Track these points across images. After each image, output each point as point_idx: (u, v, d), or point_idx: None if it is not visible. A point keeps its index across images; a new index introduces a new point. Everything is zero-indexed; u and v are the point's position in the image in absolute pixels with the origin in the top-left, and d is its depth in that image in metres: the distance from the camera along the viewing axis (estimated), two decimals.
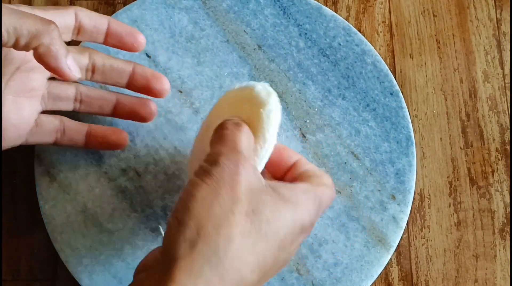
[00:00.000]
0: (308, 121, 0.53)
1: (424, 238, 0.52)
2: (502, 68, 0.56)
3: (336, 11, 0.56)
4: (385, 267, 0.51)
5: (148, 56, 0.54)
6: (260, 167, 0.38)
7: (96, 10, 0.57)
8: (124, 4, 0.56)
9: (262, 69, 0.54)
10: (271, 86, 0.40)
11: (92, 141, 0.47)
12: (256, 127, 0.38)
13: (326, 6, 0.56)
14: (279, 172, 0.39)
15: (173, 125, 0.52)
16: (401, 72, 0.56)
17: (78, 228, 0.50)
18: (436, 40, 0.56)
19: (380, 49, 0.56)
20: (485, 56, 0.56)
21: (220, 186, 0.31)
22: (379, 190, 0.51)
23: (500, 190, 0.53)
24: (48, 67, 0.37)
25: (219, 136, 0.35)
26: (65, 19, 0.42)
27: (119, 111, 0.47)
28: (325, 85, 0.53)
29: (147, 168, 0.51)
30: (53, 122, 0.46)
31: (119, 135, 0.47)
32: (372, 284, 0.51)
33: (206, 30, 0.54)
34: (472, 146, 0.54)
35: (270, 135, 0.38)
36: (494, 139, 0.54)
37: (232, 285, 0.30)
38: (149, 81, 0.45)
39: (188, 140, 0.52)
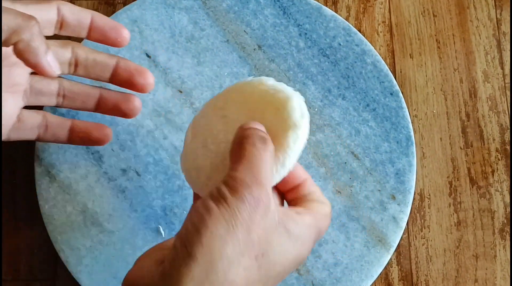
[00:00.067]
0: None
1: (424, 238, 0.52)
2: (502, 68, 0.56)
3: (336, 11, 0.56)
4: (385, 267, 0.51)
5: (148, 56, 0.54)
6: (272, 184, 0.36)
7: (96, 10, 0.57)
8: (124, 4, 0.56)
9: (262, 69, 0.54)
10: None
11: (75, 137, 0.46)
12: (276, 145, 0.35)
13: (326, 6, 0.56)
14: (285, 188, 0.38)
15: (173, 125, 0.52)
16: (401, 72, 0.56)
17: (78, 228, 0.50)
18: (436, 40, 0.56)
19: (380, 49, 0.56)
20: (485, 56, 0.56)
21: (237, 225, 0.30)
22: (379, 190, 0.51)
23: (500, 190, 0.53)
24: (27, 63, 0.37)
25: (243, 154, 0.33)
26: (47, 13, 0.41)
27: (102, 107, 0.46)
28: (325, 85, 0.53)
29: (147, 168, 0.51)
30: (35, 117, 0.45)
31: (102, 131, 0.46)
32: (372, 284, 0.51)
33: (206, 30, 0.54)
34: (472, 146, 0.54)
35: (290, 162, 0.36)
36: (494, 139, 0.54)
37: None
38: (132, 75, 0.44)
39: None
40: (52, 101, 0.45)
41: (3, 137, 0.44)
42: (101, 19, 0.43)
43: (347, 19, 0.56)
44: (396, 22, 0.57)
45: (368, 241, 0.50)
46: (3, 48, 0.40)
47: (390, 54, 0.56)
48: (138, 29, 0.54)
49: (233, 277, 0.29)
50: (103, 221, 0.50)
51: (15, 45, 0.36)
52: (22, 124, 0.44)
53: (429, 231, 0.52)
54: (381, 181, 0.51)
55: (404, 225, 0.51)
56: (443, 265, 0.52)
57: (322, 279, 0.50)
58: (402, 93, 0.54)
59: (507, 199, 0.53)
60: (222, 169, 0.36)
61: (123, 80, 0.44)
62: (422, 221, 0.52)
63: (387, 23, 0.57)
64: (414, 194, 0.53)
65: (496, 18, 0.57)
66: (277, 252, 0.32)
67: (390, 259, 0.51)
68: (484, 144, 0.54)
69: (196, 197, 0.40)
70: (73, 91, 0.45)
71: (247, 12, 0.55)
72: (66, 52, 0.43)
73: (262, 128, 0.35)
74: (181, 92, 0.53)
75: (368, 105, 0.53)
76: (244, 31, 0.54)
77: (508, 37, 0.56)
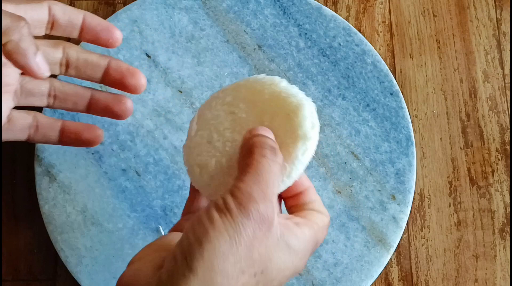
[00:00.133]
0: None
1: (424, 238, 0.52)
2: (502, 68, 0.56)
3: (336, 11, 0.56)
4: (385, 267, 0.51)
5: (148, 56, 0.54)
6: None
7: (96, 10, 0.57)
8: (124, 4, 0.56)
9: (262, 69, 0.54)
10: None
11: (65, 138, 0.45)
12: (284, 154, 0.34)
13: (326, 6, 0.56)
14: (286, 194, 0.38)
15: (173, 125, 0.52)
16: (401, 72, 0.56)
17: (78, 228, 0.50)
18: (436, 40, 0.56)
19: (380, 49, 0.56)
20: (485, 56, 0.56)
21: (241, 242, 0.29)
22: (379, 190, 0.51)
23: (500, 190, 0.53)
24: (16, 64, 0.36)
25: (252, 164, 0.32)
26: (37, 13, 0.41)
27: (93, 108, 0.45)
28: (325, 85, 0.53)
29: (147, 168, 0.51)
30: (26, 118, 0.44)
31: (93, 132, 0.45)
32: (372, 284, 0.51)
33: (206, 30, 0.54)
34: (472, 146, 0.54)
35: (297, 173, 0.35)
36: (494, 139, 0.54)
37: None
38: (123, 76, 0.43)
39: None
40: (43, 101, 0.44)
41: None
42: (93, 20, 0.43)
43: (347, 19, 0.56)
44: (396, 22, 0.57)
45: (368, 241, 0.50)
46: None
47: (390, 54, 0.56)
48: (138, 29, 0.54)
49: None
50: (103, 221, 0.50)
51: (4, 46, 0.36)
52: (12, 124, 0.43)
53: (429, 231, 0.52)
54: (381, 181, 0.51)
55: (404, 225, 0.51)
56: (443, 265, 0.52)
57: (322, 279, 0.50)
58: (402, 93, 0.54)
59: (507, 199, 0.53)
60: (227, 171, 0.36)
61: (115, 81, 0.44)
62: (422, 221, 0.52)
63: (387, 23, 0.57)
64: (414, 194, 0.53)
65: (496, 18, 0.57)
66: (276, 268, 0.32)
67: (390, 259, 0.51)
68: (484, 144, 0.54)
69: (193, 189, 0.40)
70: (64, 92, 0.44)
71: (247, 12, 0.55)
72: (57, 52, 0.43)
73: (271, 135, 0.34)
74: (181, 92, 0.53)
75: (368, 105, 0.53)
76: (244, 31, 0.54)
77: (508, 37, 0.56)
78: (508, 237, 0.52)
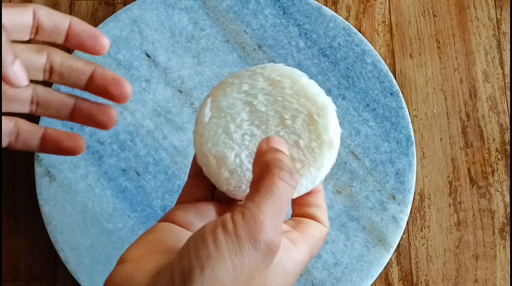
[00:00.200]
0: None
1: (424, 238, 0.52)
2: (502, 68, 0.56)
3: (336, 11, 0.56)
4: (385, 267, 0.51)
5: (148, 56, 0.54)
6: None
7: (96, 10, 0.57)
8: (124, 4, 0.56)
9: None
10: None
11: (46, 146, 0.44)
12: (309, 157, 0.34)
13: (326, 6, 0.56)
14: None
15: (173, 125, 0.52)
16: (401, 72, 0.56)
17: (78, 228, 0.50)
18: (436, 40, 0.56)
19: (380, 49, 0.56)
20: (485, 56, 0.56)
21: (243, 273, 0.29)
22: (379, 190, 0.51)
23: (500, 190, 0.53)
24: None
25: (269, 186, 0.31)
26: (22, 17, 0.40)
27: (77, 116, 0.44)
28: (325, 85, 0.53)
29: (147, 168, 0.51)
30: (7, 124, 0.42)
31: (74, 141, 0.43)
32: (372, 284, 0.51)
33: (206, 30, 0.54)
34: (472, 146, 0.54)
35: (320, 179, 0.35)
36: (494, 139, 0.54)
37: None
38: (108, 84, 0.42)
39: (188, 140, 0.52)
40: (25, 108, 0.43)
41: None
42: (80, 26, 0.42)
43: (347, 19, 0.56)
44: (396, 22, 0.57)
45: (368, 241, 0.50)
46: None
47: (390, 54, 0.56)
48: (138, 29, 0.54)
49: None
50: (103, 221, 0.50)
51: None
52: None
53: (429, 231, 0.52)
54: (381, 181, 0.51)
55: (404, 225, 0.51)
56: (443, 265, 0.52)
57: (322, 279, 0.50)
58: (402, 93, 0.54)
59: (507, 199, 0.53)
60: (247, 168, 0.35)
61: (99, 89, 0.42)
62: (422, 221, 0.52)
63: (387, 23, 0.57)
64: (414, 194, 0.53)
65: (496, 18, 0.57)
66: None
67: (390, 259, 0.51)
68: (484, 144, 0.54)
69: (194, 177, 0.38)
70: (47, 99, 0.43)
71: (247, 12, 0.55)
72: (40, 57, 0.41)
73: (286, 150, 0.33)
74: (181, 92, 0.53)
75: (368, 105, 0.53)
76: (244, 31, 0.54)
77: (508, 37, 0.56)
78: (508, 237, 0.52)
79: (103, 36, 0.42)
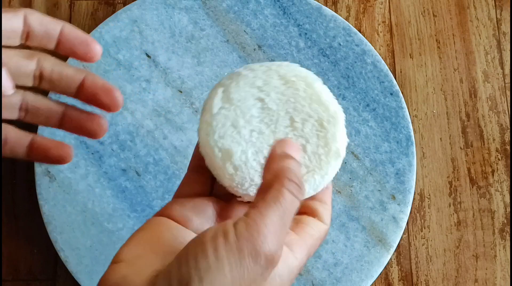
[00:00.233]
0: None
1: (424, 238, 0.52)
2: (502, 68, 0.56)
3: (336, 11, 0.56)
4: (385, 267, 0.51)
5: (148, 56, 0.54)
6: None
7: (96, 10, 0.57)
8: (124, 4, 0.56)
9: None
10: None
11: (33, 154, 0.43)
12: (314, 164, 0.34)
13: (326, 6, 0.56)
14: None
15: (173, 125, 0.52)
16: (401, 72, 0.56)
17: (78, 228, 0.50)
18: (436, 40, 0.56)
19: (380, 49, 0.56)
20: (485, 56, 0.56)
21: (241, 285, 0.28)
22: (379, 190, 0.51)
23: (500, 190, 0.53)
24: None
25: (277, 198, 0.30)
26: (12, 22, 0.39)
27: (66, 124, 0.43)
28: (325, 85, 0.53)
29: (147, 168, 0.51)
30: None
31: (61, 149, 0.43)
32: (372, 284, 0.51)
33: (206, 30, 0.54)
34: (472, 146, 0.54)
35: (322, 187, 0.34)
36: (494, 139, 0.54)
37: None
38: (97, 93, 0.41)
39: (188, 140, 0.52)
40: (13, 114, 0.42)
41: None
42: (72, 32, 0.41)
43: (347, 19, 0.56)
44: (396, 22, 0.57)
45: (368, 241, 0.50)
46: None
47: (390, 54, 0.56)
48: (138, 29, 0.54)
49: None
50: (103, 221, 0.50)
51: None
52: None
53: (429, 231, 0.52)
54: (381, 181, 0.51)
55: (404, 225, 0.51)
56: (443, 265, 0.52)
57: (322, 279, 0.50)
58: (402, 93, 0.54)
59: (507, 199, 0.53)
60: (253, 165, 0.34)
61: (89, 97, 0.42)
62: (422, 221, 0.52)
63: (387, 23, 0.57)
64: (414, 194, 0.53)
65: (496, 18, 0.57)
66: None
67: (390, 259, 0.51)
68: (484, 144, 0.54)
69: (194, 171, 0.37)
70: (36, 106, 0.42)
71: (247, 12, 0.55)
72: (30, 63, 0.41)
73: (300, 157, 0.33)
74: (181, 92, 0.53)
75: (368, 105, 0.53)
76: (244, 31, 0.54)
77: (508, 37, 0.56)
78: (508, 237, 0.52)
79: (95, 43, 0.41)
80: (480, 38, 0.56)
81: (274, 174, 0.31)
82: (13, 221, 0.52)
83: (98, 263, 0.49)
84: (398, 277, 0.51)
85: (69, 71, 0.41)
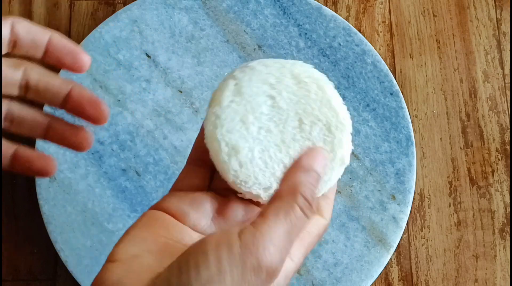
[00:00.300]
0: None
1: (424, 238, 0.52)
2: (502, 68, 0.56)
3: (336, 11, 0.56)
4: (385, 267, 0.51)
5: (148, 56, 0.54)
6: None
7: (96, 10, 0.57)
8: (124, 4, 0.56)
9: None
10: None
11: (16, 165, 0.42)
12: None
13: (326, 6, 0.56)
14: None
15: (173, 125, 0.52)
16: (401, 72, 0.56)
17: (78, 228, 0.50)
18: (436, 40, 0.56)
19: (380, 49, 0.56)
20: (485, 56, 0.56)
21: None
22: (379, 190, 0.51)
23: (500, 190, 0.53)
24: None
25: (288, 214, 0.30)
26: None
27: (50, 136, 0.42)
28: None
29: (147, 168, 0.51)
30: None
31: (44, 162, 0.42)
32: (372, 284, 0.51)
33: (206, 30, 0.54)
34: (472, 146, 0.54)
35: (323, 192, 0.34)
36: (494, 139, 0.54)
37: None
38: (83, 105, 0.41)
39: (188, 140, 0.52)
40: None
41: None
42: (60, 42, 0.40)
43: (347, 19, 0.56)
44: (396, 22, 0.57)
45: (368, 241, 0.50)
46: None
47: (390, 54, 0.56)
48: (138, 29, 0.54)
49: None
50: (103, 221, 0.50)
51: None
52: None
53: (429, 231, 0.52)
54: (381, 181, 0.51)
55: (404, 225, 0.51)
56: (443, 265, 0.52)
57: (322, 279, 0.50)
58: (402, 93, 0.54)
59: (507, 199, 0.53)
60: (257, 163, 0.34)
61: (75, 109, 0.41)
62: (422, 221, 0.52)
63: (387, 23, 0.57)
64: (414, 194, 0.53)
65: (496, 18, 0.57)
66: None
67: (390, 259, 0.51)
68: (484, 144, 0.54)
69: (193, 163, 0.37)
70: (21, 117, 0.41)
71: (247, 12, 0.55)
72: (17, 73, 0.40)
73: (324, 169, 0.33)
74: (181, 92, 0.53)
75: (368, 105, 0.53)
76: (244, 31, 0.54)
77: (508, 37, 0.56)
78: (508, 237, 0.52)
79: (84, 54, 0.40)
80: (480, 38, 0.56)
81: (291, 186, 0.31)
82: (13, 221, 0.52)
83: (98, 263, 0.49)
84: (398, 277, 0.51)
85: (56, 82, 0.41)
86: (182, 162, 0.51)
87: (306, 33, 0.54)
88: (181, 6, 0.55)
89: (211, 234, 0.29)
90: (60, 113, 0.41)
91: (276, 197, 0.31)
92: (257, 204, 0.34)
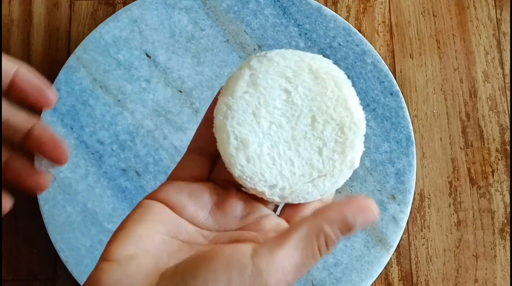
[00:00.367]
0: None
1: (424, 238, 0.52)
2: (502, 68, 0.56)
3: (336, 11, 0.56)
4: (385, 267, 0.51)
5: (148, 56, 0.54)
6: None
7: (96, 10, 0.57)
8: (124, 4, 0.56)
9: None
10: None
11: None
12: (327, 168, 0.33)
13: (326, 6, 0.56)
14: None
15: (173, 125, 0.52)
16: (401, 72, 0.56)
17: (78, 228, 0.50)
18: (436, 40, 0.56)
19: (380, 49, 0.56)
20: (485, 56, 0.56)
21: None
22: (379, 190, 0.51)
23: (500, 190, 0.53)
24: None
25: (307, 247, 0.29)
26: None
27: (7, 174, 0.40)
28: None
29: (147, 168, 0.51)
30: None
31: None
32: (372, 284, 0.51)
33: (206, 30, 0.54)
34: (472, 146, 0.54)
35: (324, 196, 0.34)
36: (494, 139, 0.54)
37: None
38: (43, 145, 0.39)
39: (188, 140, 0.52)
40: None
41: None
42: (26, 76, 0.38)
43: (347, 19, 0.56)
44: (396, 22, 0.57)
45: (368, 241, 0.50)
46: None
47: (390, 54, 0.56)
48: (138, 29, 0.54)
49: None
50: (103, 221, 0.50)
51: None
52: None
53: (429, 231, 0.52)
54: (381, 181, 0.51)
55: (404, 225, 0.51)
56: (443, 265, 0.52)
57: (322, 279, 0.50)
58: (402, 93, 0.54)
59: (507, 199, 0.53)
60: (265, 160, 0.33)
61: (34, 148, 0.39)
62: (422, 221, 0.52)
63: (387, 23, 0.57)
64: (414, 194, 0.53)
65: (496, 18, 0.57)
66: None
67: (390, 259, 0.51)
68: (484, 144, 0.54)
69: (193, 152, 0.36)
70: None
71: (247, 12, 0.55)
72: None
73: (359, 228, 0.31)
74: (181, 92, 0.53)
75: (368, 105, 0.53)
76: (244, 31, 0.54)
77: (508, 37, 0.56)
78: (508, 237, 0.52)
79: (50, 92, 0.38)
80: (480, 38, 0.56)
81: (323, 222, 0.29)
82: (13, 221, 0.52)
83: None
84: (398, 277, 0.51)
85: (18, 118, 0.39)
86: None
87: (306, 33, 0.54)
88: (181, 6, 0.55)
89: (221, 248, 0.29)
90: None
91: (302, 224, 0.30)
92: (259, 199, 0.33)
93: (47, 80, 0.38)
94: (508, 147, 0.54)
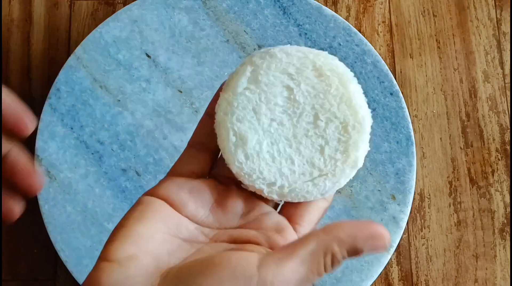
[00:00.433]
0: None
1: (424, 238, 0.52)
2: (502, 68, 0.56)
3: (336, 11, 0.56)
4: (385, 267, 0.51)
5: (148, 56, 0.54)
6: None
7: (96, 10, 0.57)
8: (124, 4, 0.56)
9: None
10: None
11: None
12: (329, 167, 0.33)
13: (326, 6, 0.56)
14: None
15: (173, 125, 0.52)
16: (401, 72, 0.56)
17: (78, 228, 0.50)
18: (436, 40, 0.56)
19: (380, 49, 0.56)
20: (485, 56, 0.56)
21: None
22: (379, 190, 0.51)
23: (500, 190, 0.53)
24: None
25: (317, 258, 0.29)
26: None
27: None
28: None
29: (147, 168, 0.51)
30: None
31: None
32: (372, 284, 0.51)
33: (206, 30, 0.54)
34: (472, 146, 0.54)
35: (326, 196, 0.34)
36: (494, 139, 0.54)
37: None
38: (15, 173, 0.35)
39: (188, 140, 0.52)
40: None
41: None
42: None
43: (347, 19, 0.56)
44: (396, 22, 0.57)
45: None
46: None
47: (390, 54, 0.56)
48: (138, 29, 0.54)
49: None
50: (103, 221, 0.50)
51: None
52: None
53: (429, 231, 0.52)
54: (381, 181, 0.51)
55: (404, 225, 0.51)
56: (443, 265, 0.52)
57: (322, 279, 0.50)
58: (402, 93, 0.54)
59: (507, 199, 0.53)
60: (264, 157, 0.32)
61: (7, 175, 0.35)
62: (422, 221, 0.52)
63: (387, 23, 0.57)
64: (414, 194, 0.53)
65: (496, 18, 0.57)
66: None
67: (390, 259, 0.51)
68: (484, 144, 0.54)
69: (194, 148, 0.35)
70: None
71: (247, 12, 0.55)
72: None
73: (368, 252, 0.30)
74: (181, 92, 0.53)
75: (368, 105, 0.53)
76: (244, 31, 0.54)
77: (508, 37, 0.56)
78: (508, 237, 0.52)
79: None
80: (480, 38, 0.56)
81: (332, 239, 0.29)
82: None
83: None
84: (398, 277, 0.51)
85: None
86: None
87: (306, 33, 0.54)
88: (181, 6, 0.55)
89: (227, 256, 0.28)
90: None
91: (311, 239, 0.29)
92: (259, 197, 0.33)
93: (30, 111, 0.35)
94: (508, 147, 0.54)
